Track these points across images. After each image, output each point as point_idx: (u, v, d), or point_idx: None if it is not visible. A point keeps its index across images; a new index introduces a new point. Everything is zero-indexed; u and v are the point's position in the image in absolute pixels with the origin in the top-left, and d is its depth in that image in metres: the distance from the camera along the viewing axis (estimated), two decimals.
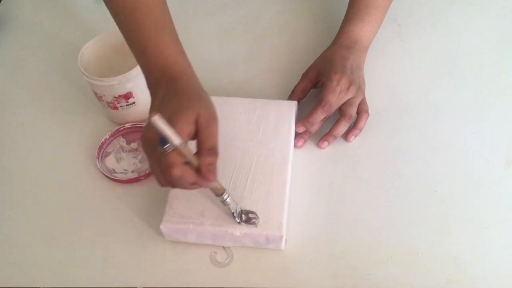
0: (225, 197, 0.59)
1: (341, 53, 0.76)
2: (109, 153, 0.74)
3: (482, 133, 0.74)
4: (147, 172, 0.71)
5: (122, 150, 0.75)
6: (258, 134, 0.69)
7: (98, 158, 0.73)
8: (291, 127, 0.70)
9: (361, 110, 0.74)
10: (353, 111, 0.72)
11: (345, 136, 0.73)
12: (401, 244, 0.64)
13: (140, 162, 0.73)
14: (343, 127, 0.72)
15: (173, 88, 0.54)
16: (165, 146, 0.49)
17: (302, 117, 0.73)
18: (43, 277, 0.64)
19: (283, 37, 0.90)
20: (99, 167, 0.72)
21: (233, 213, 0.61)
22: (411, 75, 0.82)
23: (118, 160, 0.74)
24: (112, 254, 0.65)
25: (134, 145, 0.75)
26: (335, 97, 0.71)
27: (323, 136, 0.73)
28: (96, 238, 0.67)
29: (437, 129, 0.74)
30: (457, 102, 0.78)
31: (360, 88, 0.74)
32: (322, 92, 0.72)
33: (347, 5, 0.82)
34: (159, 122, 0.48)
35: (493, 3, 0.91)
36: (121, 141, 0.75)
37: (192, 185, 0.53)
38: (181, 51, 0.58)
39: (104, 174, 0.71)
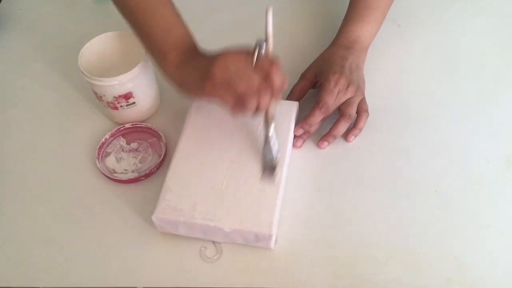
0: (272, 128, 0.65)
1: (340, 54, 0.76)
2: (109, 153, 0.74)
3: (482, 133, 0.74)
4: (147, 172, 0.71)
5: (122, 150, 0.75)
6: (256, 132, 0.69)
7: (98, 158, 0.73)
8: (290, 127, 0.70)
9: (361, 110, 0.74)
10: (352, 111, 0.72)
11: (345, 136, 0.73)
12: (401, 244, 0.64)
13: (140, 162, 0.73)
14: (343, 127, 0.72)
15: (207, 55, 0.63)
16: (263, 49, 0.56)
17: (302, 118, 0.73)
18: (43, 277, 0.64)
19: (283, 37, 0.90)
20: (99, 167, 0.72)
21: (269, 152, 0.65)
22: (411, 75, 0.82)
23: (118, 160, 0.74)
24: (112, 254, 0.65)
25: (134, 145, 0.75)
26: (333, 98, 0.71)
27: (323, 136, 0.73)
28: (96, 238, 0.67)
29: (437, 129, 0.74)
30: (457, 102, 0.78)
31: (359, 88, 0.74)
32: (320, 93, 0.72)
33: (346, 4, 0.82)
34: (271, 16, 0.55)
35: (493, 3, 0.91)
36: (121, 141, 0.75)
37: (276, 94, 0.58)
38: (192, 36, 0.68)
39: (104, 174, 0.71)
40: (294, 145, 0.72)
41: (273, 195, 0.63)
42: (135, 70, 0.70)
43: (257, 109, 0.58)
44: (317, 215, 0.67)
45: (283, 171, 0.66)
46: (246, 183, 0.64)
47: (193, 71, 0.61)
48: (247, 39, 0.90)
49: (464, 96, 0.78)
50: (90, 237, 0.67)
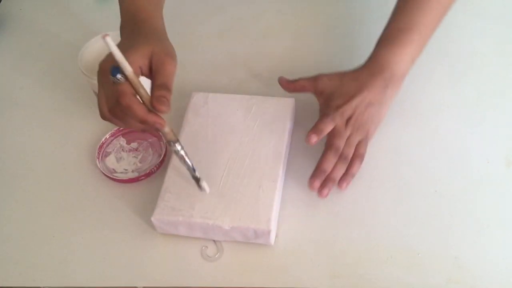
0: (177, 147, 0.59)
1: (362, 80, 0.69)
2: (109, 153, 0.74)
3: (482, 133, 0.73)
4: (147, 172, 0.71)
5: (122, 150, 0.75)
6: (253, 130, 0.70)
7: (98, 158, 0.73)
8: (286, 124, 0.70)
9: (355, 153, 0.68)
10: (349, 151, 0.67)
11: (338, 183, 0.67)
12: (401, 244, 0.64)
13: (140, 162, 0.73)
14: (333, 165, 0.67)
15: (137, 28, 0.58)
16: (117, 76, 0.51)
17: (299, 116, 0.73)
18: (43, 277, 0.64)
19: (283, 37, 0.90)
20: (99, 167, 0.72)
21: (189, 167, 0.61)
22: (411, 75, 0.81)
23: (118, 160, 0.74)
24: (112, 254, 0.65)
25: (134, 145, 0.75)
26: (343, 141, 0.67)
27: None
28: (96, 238, 0.67)
29: (437, 129, 0.74)
30: (457, 102, 0.78)
31: (362, 127, 0.68)
32: (328, 137, 0.68)
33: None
34: (109, 42, 0.49)
35: (493, 3, 0.91)
36: (121, 141, 0.76)
37: (141, 123, 0.54)
38: (154, 3, 0.63)
39: (104, 174, 0.71)
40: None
41: (271, 191, 0.64)
42: None
43: (134, 128, 0.57)
44: (317, 214, 0.67)
45: (280, 168, 0.66)
46: (244, 180, 0.65)
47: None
48: (246, 39, 0.90)
49: (463, 95, 0.78)
50: (90, 237, 0.67)
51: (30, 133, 0.79)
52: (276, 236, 0.64)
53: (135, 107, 0.52)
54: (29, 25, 0.96)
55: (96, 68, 0.73)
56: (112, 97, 0.53)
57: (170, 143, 0.59)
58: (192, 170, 0.61)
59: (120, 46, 0.53)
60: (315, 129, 0.66)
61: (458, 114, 0.76)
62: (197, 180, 0.62)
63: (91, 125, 0.78)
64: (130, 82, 0.52)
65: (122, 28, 0.63)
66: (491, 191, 0.68)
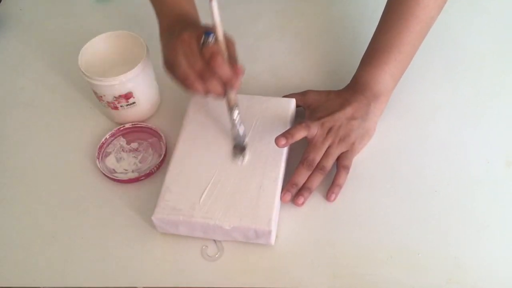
0: (237, 111, 0.65)
1: (345, 97, 0.72)
2: (109, 153, 0.74)
3: (482, 133, 0.74)
4: (147, 172, 0.71)
5: (122, 150, 0.75)
6: (253, 130, 0.70)
7: (98, 158, 0.73)
8: (287, 124, 0.70)
9: (339, 165, 0.69)
10: (326, 162, 0.68)
11: (326, 195, 0.68)
12: (401, 244, 0.64)
13: (140, 162, 0.73)
14: (307, 177, 0.68)
15: (188, 20, 0.65)
16: (210, 37, 0.57)
17: (300, 116, 0.73)
18: (43, 277, 0.64)
19: (283, 37, 0.90)
20: (99, 167, 0.72)
21: (237, 136, 0.67)
22: (410, 75, 0.82)
23: (118, 160, 0.74)
24: (112, 254, 0.65)
25: (134, 145, 0.75)
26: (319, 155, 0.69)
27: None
28: (96, 238, 0.67)
29: (437, 129, 0.75)
30: (457, 102, 0.78)
31: (346, 140, 0.69)
32: (306, 149, 0.69)
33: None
34: (215, 6, 0.55)
35: (493, 2, 0.91)
36: (121, 141, 0.76)
37: (225, 82, 0.59)
38: (192, 6, 0.70)
39: (104, 174, 0.71)
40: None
41: (272, 191, 0.64)
42: (135, 70, 0.70)
43: (209, 93, 0.60)
44: (317, 214, 0.67)
45: (280, 168, 0.66)
46: (245, 180, 0.65)
47: (164, 44, 0.64)
48: (245, 39, 0.90)
49: (463, 96, 0.78)
50: (90, 237, 0.67)
51: (30, 133, 0.79)
52: (277, 236, 0.64)
53: (225, 66, 0.58)
54: (29, 25, 0.96)
55: (96, 68, 0.74)
56: (198, 60, 0.59)
57: (232, 109, 0.65)
58: (244, 137, 0.67)
59: (172, 32, 0.62)
60: (286, 132, 0.66)
61: (458, 114, 0.76)
62: (242, 149, 0.67)
63: (91, 125, 0.78)
64: (219, 46, 0.58)
65: (169, 27, 0.65)
66: (491, 191, 0.68)
